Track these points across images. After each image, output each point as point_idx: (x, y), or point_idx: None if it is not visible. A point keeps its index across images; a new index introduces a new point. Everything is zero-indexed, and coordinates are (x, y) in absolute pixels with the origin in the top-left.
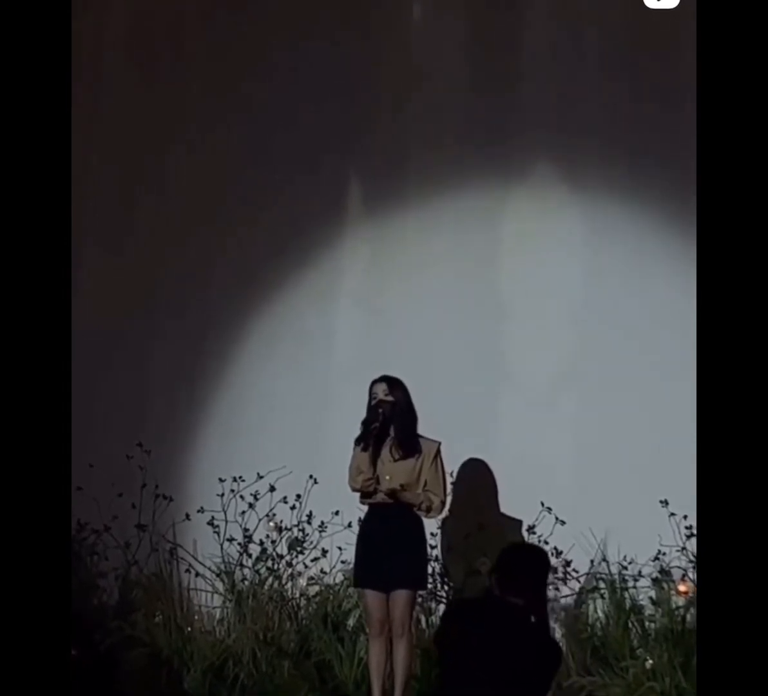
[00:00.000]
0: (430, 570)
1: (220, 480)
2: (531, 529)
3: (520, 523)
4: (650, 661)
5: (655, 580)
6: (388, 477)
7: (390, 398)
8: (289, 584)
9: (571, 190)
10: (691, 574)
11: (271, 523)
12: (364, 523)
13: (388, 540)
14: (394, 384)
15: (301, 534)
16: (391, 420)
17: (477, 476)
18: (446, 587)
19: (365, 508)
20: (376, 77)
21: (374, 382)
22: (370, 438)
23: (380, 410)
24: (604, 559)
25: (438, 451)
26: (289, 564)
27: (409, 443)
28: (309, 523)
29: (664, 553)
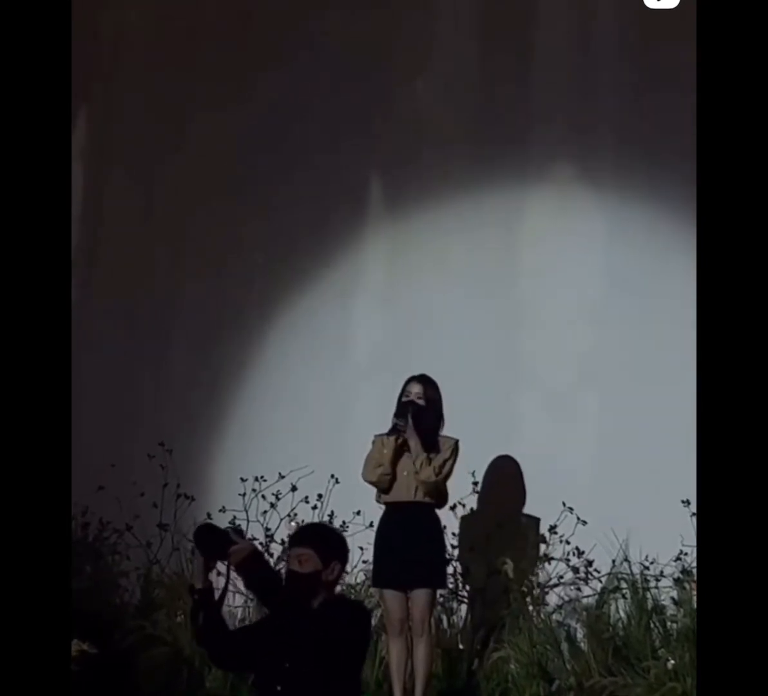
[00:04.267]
0: (451, 570)
1: (242, 479)
2: (552, 529)
3: (537, 521)
4: (672, 662)
5: (677, 580)
6: (405, 472)
7: (421, 402)
8: None
9: (590, 188)
10: None
11: (293, 523)
12: (381, 523)
13: (406, 539)
14: (429, 386)
15: None
16: (418, 421)
17: (505, 473)
18: (468, 587)
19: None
20: (394, 78)
21: (410, 380)
22: (399, 432)
23: (409, 409)
24: (626, 559)
25: (455, 446)
26: None
27: (430, 445)
28: (331, 522)
29: (685, 553)
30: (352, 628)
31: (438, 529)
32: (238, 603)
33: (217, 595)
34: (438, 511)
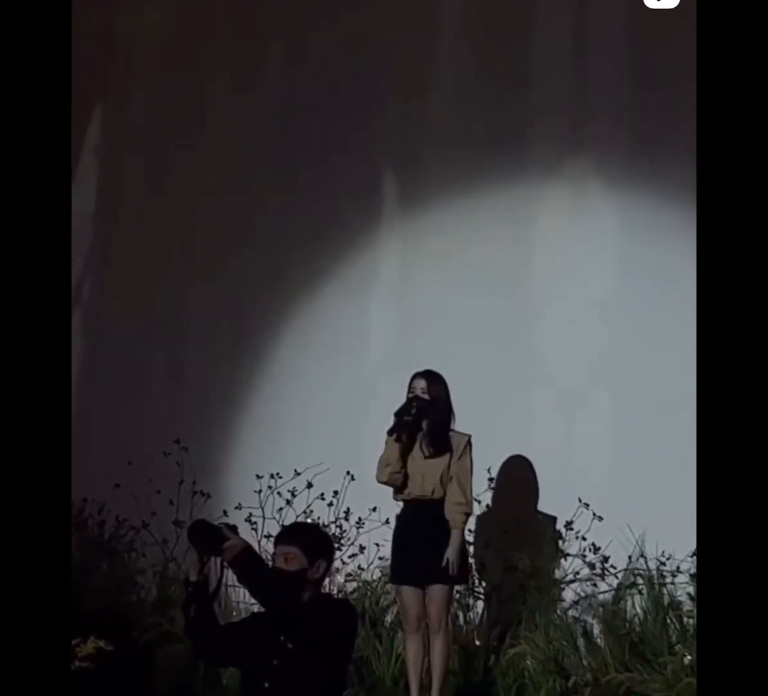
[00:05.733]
0: None
1: (258, 477)
2: (569, 525)
3: (554, 519)
4: (689, 657)
5: (693, 576)
6: (420, 476)
7: (426, 396)
8: (327, 581)
9: (603, 185)
10: None
11: (309, 520)
12: (399, 521)
13: (423, 536)
14: (434, 381)
15: (338, 530)
16: (424, 415)
17: (517, 473)
18: (484, 583)
19: (402, 503)
20: (404, 75)
21: (415, 377)
22: (401, 430)
23: (414, 404)
24: (642, 555)
25: (467, 443)
26: None
27: (441, 440)
28: (346, 519)
29: None
30: (338, 626)
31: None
32: (254, 600)
33: (211, 588)
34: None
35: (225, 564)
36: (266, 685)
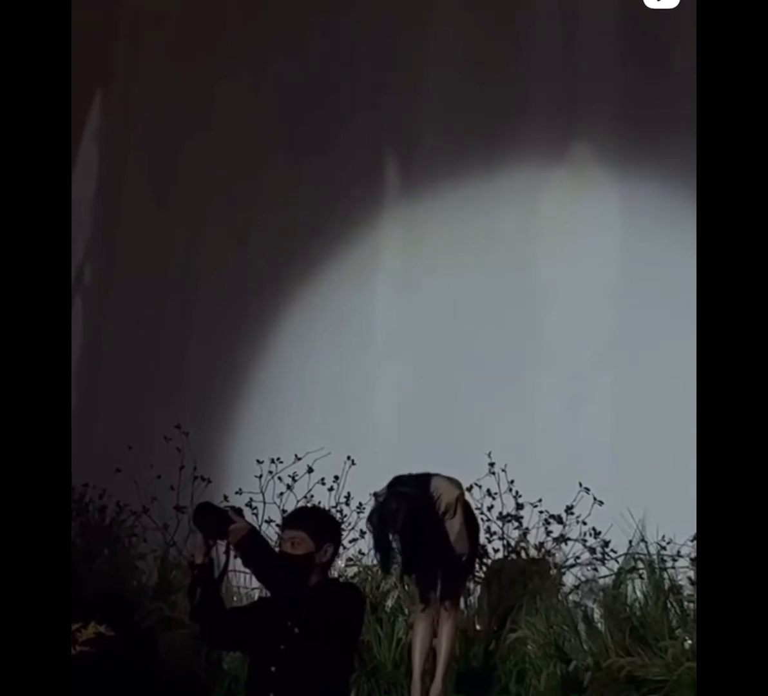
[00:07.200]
0: None
1: (258, 462)
2: (569, 509)
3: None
4: (689, 642)
5: (693, 560)
6: None
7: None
8: None
9: (608, 170)
10: None
11: (309, 505)
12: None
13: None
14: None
15: (339, 515)
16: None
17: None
18: (485, 568)
19: None
20: (408, 64)
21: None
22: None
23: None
24: (643, 540)
25: (458, 499)
26: None
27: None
28: (347, 504)
29: None
30: (346, 610)
31: (475, 525)
32: (255, 584)
33: (216, 572)
34: (472, 502)
35: (230, 547)
36: (273, 669)
